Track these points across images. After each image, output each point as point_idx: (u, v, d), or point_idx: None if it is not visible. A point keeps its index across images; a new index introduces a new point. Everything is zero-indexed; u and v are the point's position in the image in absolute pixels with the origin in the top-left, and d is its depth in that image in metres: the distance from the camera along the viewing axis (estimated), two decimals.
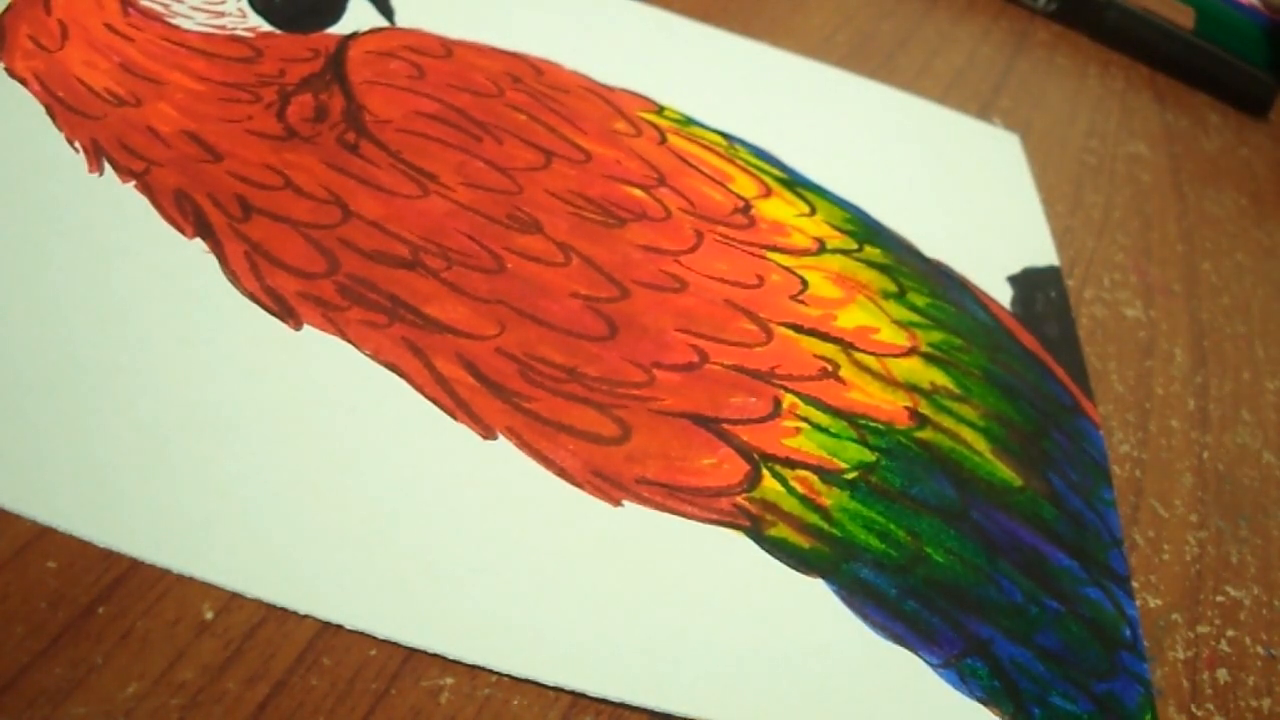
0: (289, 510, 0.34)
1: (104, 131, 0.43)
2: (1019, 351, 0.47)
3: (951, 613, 0.37)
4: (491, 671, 0.33)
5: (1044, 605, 0.39)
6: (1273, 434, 0.50)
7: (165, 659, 0.31)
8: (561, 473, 0.38)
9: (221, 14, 0.49)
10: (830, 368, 0.44)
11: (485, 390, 0.39)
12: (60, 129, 0.42)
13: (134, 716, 0.30)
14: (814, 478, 0.40)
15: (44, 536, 0.32)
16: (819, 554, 0.38)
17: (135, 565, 0.32)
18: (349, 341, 0.39)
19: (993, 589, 0.38)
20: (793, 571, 0.37)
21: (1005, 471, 0.42)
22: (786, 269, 0.47)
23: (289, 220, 0.42)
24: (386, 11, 0.52)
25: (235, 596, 0.32)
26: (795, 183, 0.52)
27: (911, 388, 0.44)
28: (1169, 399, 0.50)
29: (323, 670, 0.32)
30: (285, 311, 0.39)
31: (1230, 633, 0.42)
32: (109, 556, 0.32)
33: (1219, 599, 0.43)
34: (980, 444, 0.42)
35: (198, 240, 0.40)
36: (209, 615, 0.32)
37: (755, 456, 0.40)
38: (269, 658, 0.32)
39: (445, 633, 0.33)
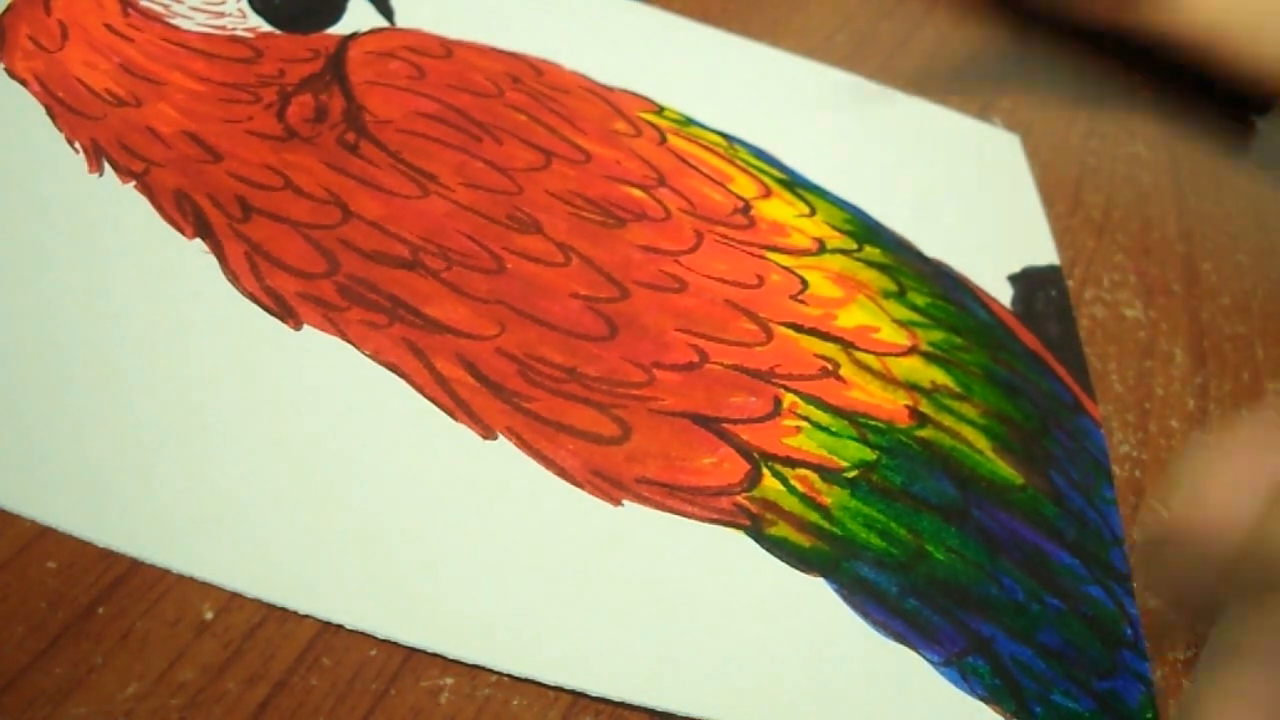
0: (289, 510, 0.34)
1: (104, 132, 0.43)
2: (1020, 350, 0.47)
3: (953, 611, 0.37)
4: (491, 671, 0.33)
5: (1045, 603, 0.38)
6: None
7: (165, 659, 0.31)
8: (561, 472, 0.38)
9: (221, 14, 0.49)
10: (830, 367, 0.43)
11: (485, 390, 0.39)
12: (60, 129, 0.42)
13: (134, 716, 0.30)
14: (814, 476, 0.40)
15: (44, 536, 0.32)
16: (819, 552, 0.38)
17: (135, 565, 0.32)
18: (349, 342, 0.39)
19: (994, 587, 0.38)
20: (793, 570, 0.37)
21: (1006, 470, 0.42)
22: (786, 269, 0.47)
23: (289, 220, 0.42)
24: (386, 12, 0.52)
25: (235, 596, 0.32)
26: (795, 183, 0.52)
27: (912, 386, 0.44)
28: (1169, 399, 0.50)
29: (323, 670, 0.32)
30: (285, 312, 0.39)
31: None
32: (109, 556, 0.32)
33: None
34: (981, 442, 0.42)
35: (198, 240, 0.40)
36: (209, 615, 0.32)
37: (755, 456, 0.40)
38: (269, 658, 0.32)
39: (445, 633, 0.33)
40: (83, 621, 0.31)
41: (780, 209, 0.50)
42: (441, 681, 0.32)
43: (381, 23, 0.52)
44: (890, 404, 0.43)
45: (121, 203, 0.41)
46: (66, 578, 0.32)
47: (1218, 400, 0.50)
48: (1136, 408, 0.49)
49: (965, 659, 0.36)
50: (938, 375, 0.44)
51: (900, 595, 0.37)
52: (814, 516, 0.39)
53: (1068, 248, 0.56)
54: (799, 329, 0.45)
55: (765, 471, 0.39)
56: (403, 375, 0.39)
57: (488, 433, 0.38)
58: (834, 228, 0.50)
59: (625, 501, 0.37)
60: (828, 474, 0.40)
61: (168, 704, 0.30)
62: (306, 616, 0.32)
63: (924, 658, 0.36)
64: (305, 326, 0.39)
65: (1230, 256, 0.58)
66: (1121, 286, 0.54)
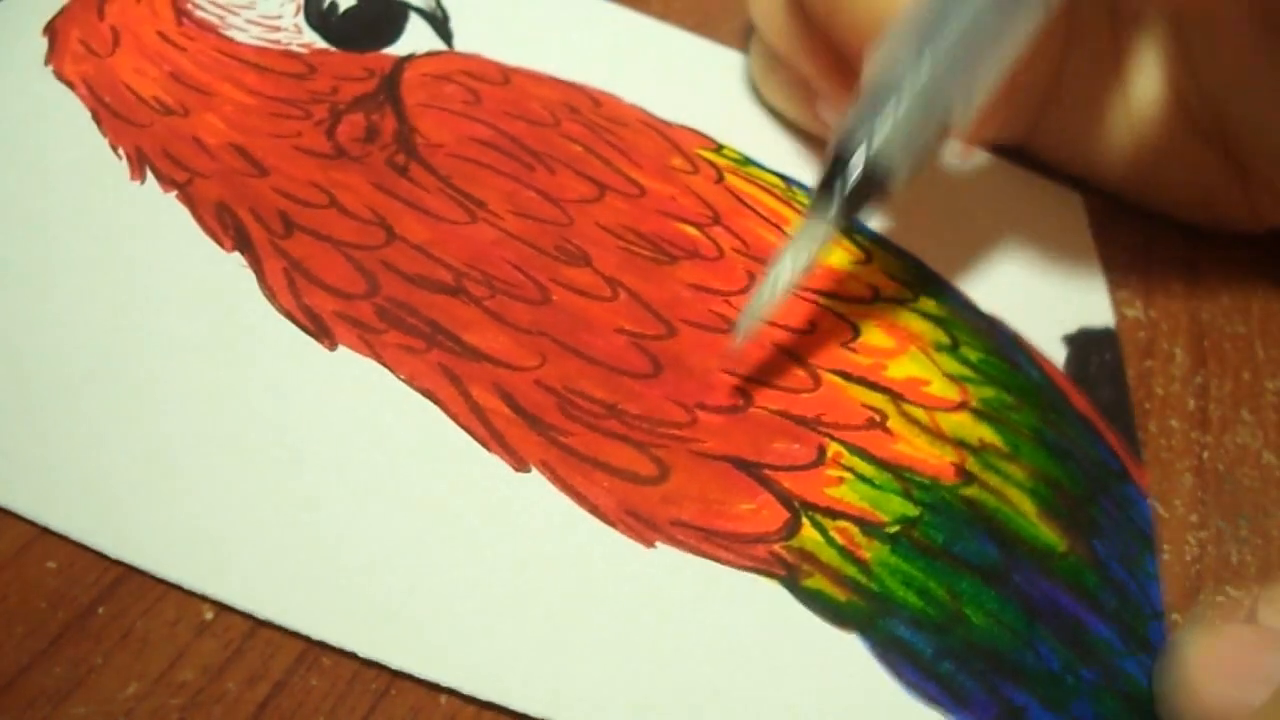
0: (308, 533, 0.34)
1: (149, 140, 0.42)
2: (1070, 413, 0.46)
3: (987, 676, 0.36)
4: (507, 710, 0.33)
5: (1080, 675, 0.37)
6: (1273, 434, 0.49)
7: (165, 659, 0.31)
8: (595, 510, 0.37)
9: (277, 28, 0.49)
10: (878, 418, 0.43)
11: (521, 422, 0.38)
12: (105, 135, 0.42)
13: (134, 716, 0.30)
14: (855, 529, 0.39)
15: (44, 536, 0.32)
16: (855, 608, 0.37)
17: (135, 566, 0.33)
18: (384, 365, 0.38)
19: (1030, 655, 0.37)
20: (826, 624, 0.36)
21: (1050, 535, 0.41)
22: (839, 315, 0.46)
23: (331, 239, 0.41)
24: (445, 34, 0.52)
25: None
26: (853, 229, 0.51)
27: (959, 443, 0.43)
28: (1169, 399, 0.49)
29: (323, 670, 0.32)
30: (321, 331, 0.39)
31: None
32: (109, 557, 0.33)
33: (1219, 599, 0.42)
34: (1026, 505, 0.41)
35: (236, 254, 0.40)
36: (209, 615, 0.32)
37: (796, 504, 0.39)
38: (269, 658, 0.32)
39: (463, 668, 0.33)
40: (83, 621, 0.31)
41: (836, 254, 0.49)
42: None
43: (440, 45, 0.51)
44: (936, 460, 0.42)
45: (161, 212, 0.41)
46: (66, 578, 0.32)
47: (1218, 400, 0.50)
48: (1137, 408, 0.48)
49: None
50: (986, 433, 0.43)
51: (935, 657, 0.36)
52: (852, 570, 0.38)
53: None
54: (848, 377, 0.44)
55: (805, 521, 0.39)
56: (437, 402, 0.38)
57: (521, 465, 0.37)
58: (890, 276, 0.49)
59: (658, 543, 0.37)
60: (868, 528, 0.39)
61: (168, 704, 0.30)
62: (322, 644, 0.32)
63: None
64: (340, 347, 0.39)
65: (1230, 256, 0.57)
66: (1122, 286, 0.53)
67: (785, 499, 0.39)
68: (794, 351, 0.44)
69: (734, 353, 0.42)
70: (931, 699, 0.35)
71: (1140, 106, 0.53)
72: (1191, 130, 0.53)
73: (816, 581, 0.37)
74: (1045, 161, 0.59)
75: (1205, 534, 0.44)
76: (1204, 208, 0.56)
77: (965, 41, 0.40)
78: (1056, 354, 0.49)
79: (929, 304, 0.48)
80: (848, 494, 0.40)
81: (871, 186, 0.40)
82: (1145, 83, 0.52)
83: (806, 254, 0.40)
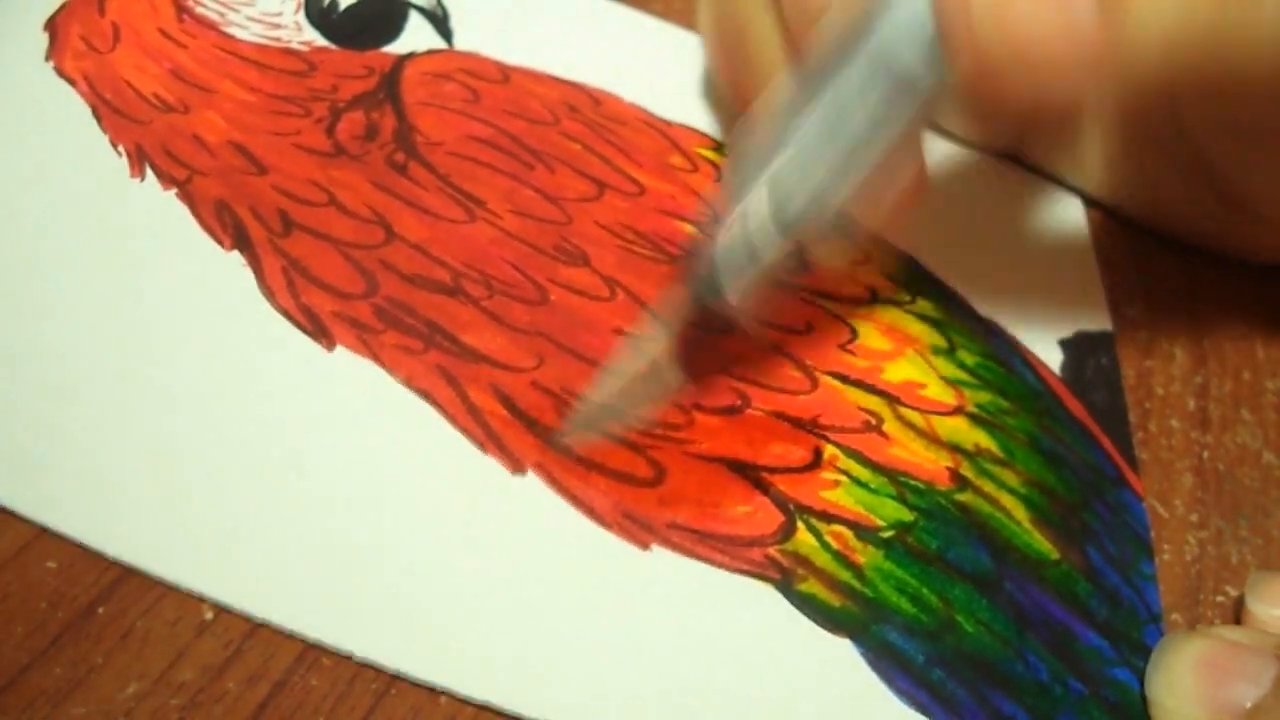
0: (304, 534, 0.34)
1: (149, 137, 0.42)
2: (1065, 418, 0.46)
3: (977, 685, 0.36)
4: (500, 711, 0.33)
5: (1068, 686, 0.37)
6: (1273, 434, 0.49)
7: (165, 659, 0.31)
8: (591, 513, 0.37)
9: (277, 26, 0.49)
10: (874, 421, 0.43)
11: (518, 423, 0.38)
12: (105, 131, 0.42)
13: (134, 716, 0.30)
14: (849, 534, 0.39)
15: (44, 536, 0.33)
16: (848, 613, 0.37)
17: (135, 566, 0.33)
18: (382, 366, 0.38)
19: (1019, 665, 0.37)
20: (819, 629, 0.36)
21: (1042, 543, 0.41)
22: (836, 317, 0.46)
23: (330, 238, 0.41)
24: (445, 33, 0.52)
25: None
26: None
27: (955, 448, 0.43)
28: (1169, 399, 0.49)
29: (323, 670, 0.32)
30: (319, 331, 0.39)
31: None
32: (109, 557, 0.33)
33: (1219, 599, 0.42)
34: (1019, 512, 0.41)
35: (235, 253, 0.40)
36: (209, 615, 0.32)
37: (791, 508, 0.39)
38: (269, 658, 0.32)
39: (459, 670, 0.33)
40: (83, 621, 0.31)
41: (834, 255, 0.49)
42: None
43: (439, 43, 0.51)
44: (932, 464, 0.42)
45: (161, 209, 0.41)
46: (66, 578, 0.32)
47: (1218, 400, 0.50)
48: (1137, 408, 0.48)
49: None
50: (981, 438, 0.43)
51: (927, 665, 0.36)
52: (846, 575, 0.38)
53: None
54: (845, 380, 0.44)
55: (800, 525, 0.39)
56: (434, 403, 0.38)
57: (518, 467, 0.37)
58: (888, 277, 0.49)
59: (654, 546, 0.37)
60: (863, 532, 0.39)
61: (168, 704, 0.31)
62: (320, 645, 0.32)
63: None
64: (338, 347, 0.39)
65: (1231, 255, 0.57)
66: (1121, 286, 0.53)
67: (781, 502, 0.39)
68: (791, 353, 0.44)
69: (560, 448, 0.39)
70: (922, 706, 0.36)
71: (1127, 139, 0.53)
72: (1179, 163, 0.52)
73: (810, 586, 0.37)
74: (1040, 170, 0.59)
75: (1205, 534, 0.44)
76: (1200, 236, 0.56)
77: (827, 140, 0.37)
78: (1053, 358, 0.49)
79: (926, 306, 0.48)
80: (843, 498, 0.40)
81: (713, 295, 0.39)
82: (1131, 121, 0.52)
83: (641, 360, 0.40)
